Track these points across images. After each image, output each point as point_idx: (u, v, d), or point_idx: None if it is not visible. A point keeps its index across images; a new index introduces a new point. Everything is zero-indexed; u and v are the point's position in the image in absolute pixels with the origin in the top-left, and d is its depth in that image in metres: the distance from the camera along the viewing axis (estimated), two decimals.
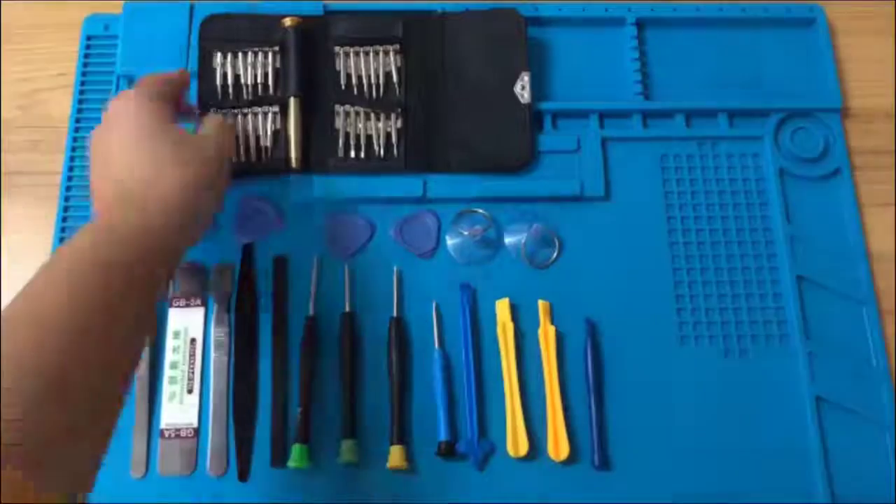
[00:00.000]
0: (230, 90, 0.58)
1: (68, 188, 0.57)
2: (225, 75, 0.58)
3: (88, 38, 0.62)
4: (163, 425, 0.52)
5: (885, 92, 0.63)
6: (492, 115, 0.58)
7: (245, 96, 0.58)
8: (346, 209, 0.57)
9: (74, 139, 0.59)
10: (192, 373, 0.53)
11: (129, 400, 0.52)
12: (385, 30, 0.60)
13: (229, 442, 0.52)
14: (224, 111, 0.57)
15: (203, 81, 0.59)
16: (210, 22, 0.60)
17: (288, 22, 0.59)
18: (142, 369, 0.52)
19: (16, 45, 0.63)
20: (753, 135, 0.61)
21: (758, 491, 0.51)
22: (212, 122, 0.51)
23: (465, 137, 0.58)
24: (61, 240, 0.56)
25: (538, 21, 0.63)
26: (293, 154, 0.57)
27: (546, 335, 0.54)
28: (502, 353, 0.54)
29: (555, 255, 0.57)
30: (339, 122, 0.58)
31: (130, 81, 0.60)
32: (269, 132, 0.58)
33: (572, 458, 0.51)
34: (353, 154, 0.57)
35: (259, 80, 0.59)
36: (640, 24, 0.64)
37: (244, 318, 0.54)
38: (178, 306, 0.54)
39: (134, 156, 0.45)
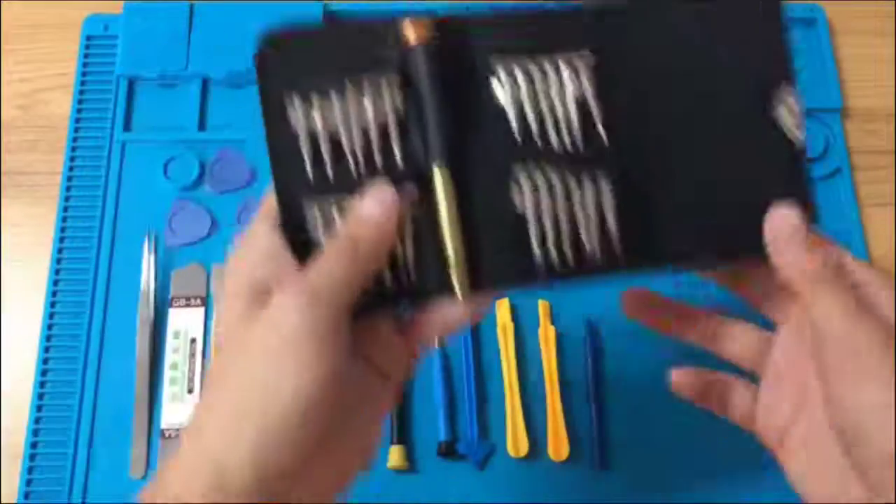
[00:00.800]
0: (327, 164, 0.32)
1: (68, 188, 0.57)
2: (312, 137, 0.32)
3: (88, 38, 0.62)
4: (163, 425, 0.52)
5: (885, 92, 0.63)
6: (735, 163, 0.35)
7: (354, 172, 0.33)
8: None
9: (74, 139, 0.59)
10: (193, 373, 0.53)
11: (129, 400, 0.52)
12: (564, 31, 0.34)
13: None
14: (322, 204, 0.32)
15: (275, 152, 0.32)
16: (272, 44, 0.33)
17: (411, 34, 0.33)
18: (142, 369, 0.53)
19: (16, 45, 0.63)
20: None
21: (759, 492, 0.51)
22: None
23: (696, 203, 0.35)
24: (61, 240, 0.56)
25: None
26: (455, 274, 0.32)
27: (546, 335, 0.54)
28: (502, 353, 0.54)
29: None
30: (522, 202, 0.33)
31: (130, 81, 0.60)
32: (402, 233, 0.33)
33: (572, 458, 0.51)
34: (554, 256, 0.33)
35: (375, 141, 0.33)
36: None
37: None
38: (178, 306, 0.54)
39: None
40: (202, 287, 0.55)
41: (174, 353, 0.53)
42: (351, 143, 0.32)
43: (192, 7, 0.61)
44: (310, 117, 0.32)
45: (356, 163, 0.32)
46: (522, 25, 0.34)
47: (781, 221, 0.33)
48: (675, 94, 0.35)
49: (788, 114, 0.34)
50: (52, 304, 0.54)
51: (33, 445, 0.51)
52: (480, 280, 0.32)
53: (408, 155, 0.32)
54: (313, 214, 0.32)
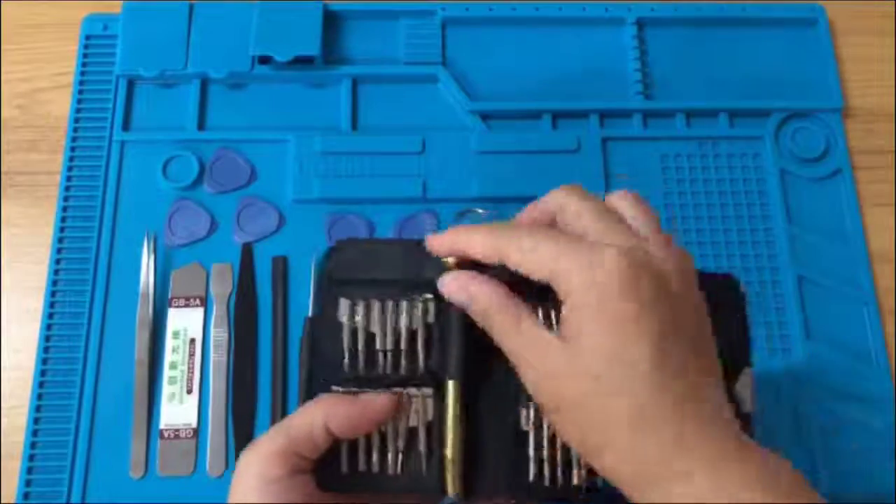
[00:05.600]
0: (359, 356, 0.37)
1: (67, 188, 0.57)
2: (354, 333, 0.37)
3: (87, 37, 0.62)
4: (162, 425, 0.52)
5: (885, 92, 0.63)
6: None
7: (380, 367, 0.37)
8: (346, 209, 0.57)
9: (73, 139, 0.59)
10: (192, 373, 0.53)
11: (128, 400, 0.52)
12: None
13: (229, 442, 0.52)
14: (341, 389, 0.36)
15: (322, 337, 0.37)
16: (342, 250, 0.38)
17: (451, 260, 0.37)
18: (141, 369, 0.52)
19: (15, 45, 0.63)
20: (754, 135, 0.61)
21: None
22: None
23: None
24: (60, 240, 0.56)
25: (538, 21, 0.63)
26: (450, 475, 0.36)
27: None
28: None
29: None
30: (527, 421, 0.36)
31: (130, 81, 0.60)
32: (405, 427, 0.36)
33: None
34: (546, 480, 0.36)
35: (403, 345, 0.37)
36: (640, 24, 0.64)
37: (244, 318, 0.54)
38: (178, 306, 0.54)
39: None
40: (201, 287, 0.55)
41: (173, 353, 0.53)
42: (384, 343, 0.37)
43: (191, 7, 0.61)
44: (354, 317, 0.37)
45: (385, 360, 0.37)
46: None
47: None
48: None
49: (744, 388, 0.37)
50: (52, 305, 0.54)
51: (32, 445, 0.51)
52: (473, 484, 0.36)
53: (429, 363, 0.37)
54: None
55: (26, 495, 0.50)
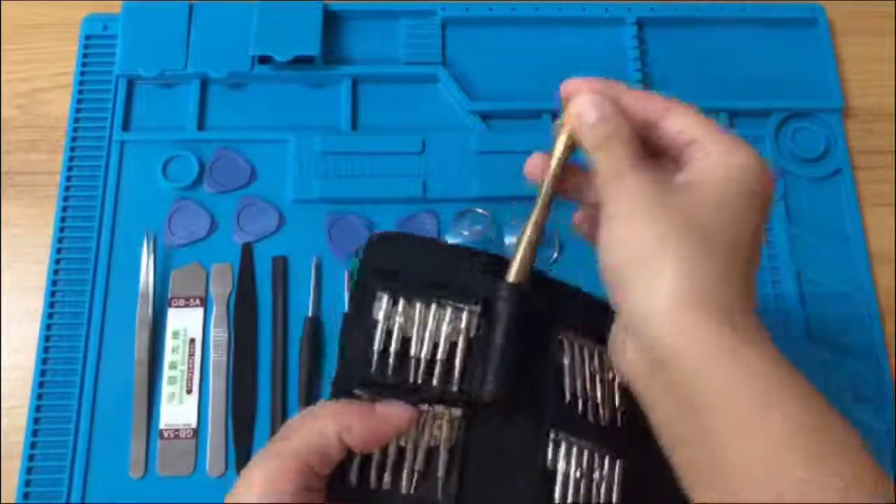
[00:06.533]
0: (390, 359, 0.34)
1: (67, 188, 0.57)
2: (388, 334, 0.35)
3: (87, 37, 0.62)
4: (162, 426, 0.52)
5: (885, 92, 0.63)
6: None
7: (412, 376, 0.35)
8: (346, 209, 0.57)
9: (73, 139, 0.59)
10: (192, 373, 0.53)
11: (128, 400, 0.52)
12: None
13: (228, 442, 0.52)
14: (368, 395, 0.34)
15: (353, 334, 0.35)
16: (381, 238, 0.36)
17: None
18: (141, 369, 0.52)
19: (15, 45, 0.63)
20: (754, 135, 0.60)
21: None
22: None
23: None
24: (60, 240, 0.56)
25: (538, 21, 0.63)
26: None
27: None
28: None
29: (555, 255, 0.56)
30: (556, 465, 0.35)
31: (129, 81, 0.60)
32: (426, 446, 0.34)
33: None
34: None
35: (440, 356, 0.35)
36: (640, 24, 0.64)
37: (244, 318, 0.54)
38: (178, 306, 0.54)
39: None
40: (201, 287, 0.55)
41: (173, 353, 0.53)
42: (419, 350, 0.34)
43: (191, 7, 0.61)
44: (391, 316, 0.35)
45: (416, 369, 0.34)
46: (589, 310, 0.37)
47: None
48: None
49: None
50: (52, 305, 0.54)
51: (32, 445, 0.51)
52: None
53: (464, 379, 0.34)
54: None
55: (26, 495, 0.50)
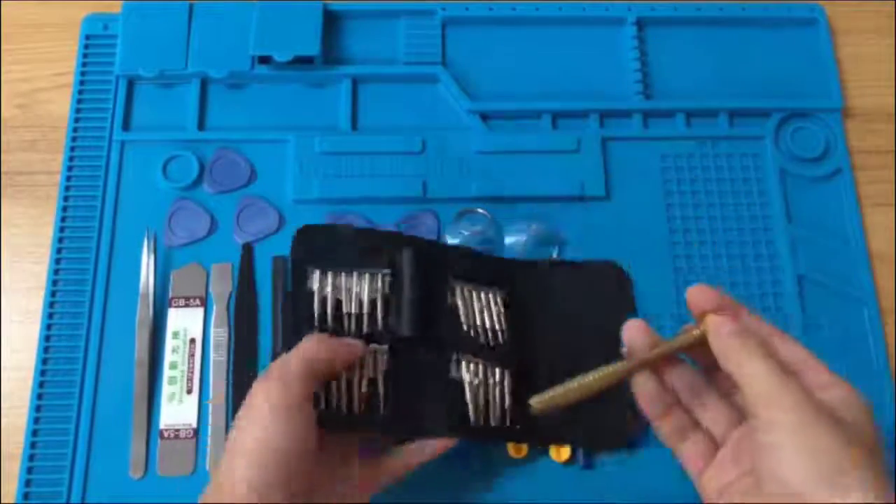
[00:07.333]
0: (328, 319, 0.48)
1: (67, 188, 0.57)
2: (324, 300, 0.49)
3: (87, 37, 0.62)
4: (162, 426, 0.52)
5: (885, 92, 0.63)
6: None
7: (347, 328, 0.49)
8: (346, 209, 0.57)
9: (73, 139, 0.59)
10: (192, 373, 0.53)
11: (128, 400, 0.52)
12: (498, 274, 0.53)
13: None
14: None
15: (297, 305, 0.49)
16: (306, 233, 0.51)
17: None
18: (141, 369, 0.52)
19: (15, 45, 0.63)
20: (754, 135, 0.61)
21: None
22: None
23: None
24: (60, 240, 0.56)
25: (538, 21, 0.63)
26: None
27: None
28: None
29: (555, 254, 0.56)
30: (462, 376, 0.49)
31: (130, 81, 0.60)
32: (366, 377, 0.47)
33: (573, 458, 0.51)
34: (472, 418, 0.49)
35: (365, 310, 0.49)
36: (640, 24, 0.64)
37: (244, 318, 0.54)
38: (178, 306, 0.54)
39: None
40: (201, 287, 0.55)
41: (173, 353, 0.53)
42: (349, 307, 0.49)
43: (191, 7, 0.61)
44: (324, 286, 0.49)
45: (349, 321, 0.49)
46: (475, 263, 0.53)
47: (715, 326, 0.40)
48: (559, 325, 0.53)
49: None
50: (52, 305, 0.54)
51: (32, 445, 0.51)
52: (422, 426, 0.47)
53: (387, 324, 0.49)
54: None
55: (26, 495, 0.50)
